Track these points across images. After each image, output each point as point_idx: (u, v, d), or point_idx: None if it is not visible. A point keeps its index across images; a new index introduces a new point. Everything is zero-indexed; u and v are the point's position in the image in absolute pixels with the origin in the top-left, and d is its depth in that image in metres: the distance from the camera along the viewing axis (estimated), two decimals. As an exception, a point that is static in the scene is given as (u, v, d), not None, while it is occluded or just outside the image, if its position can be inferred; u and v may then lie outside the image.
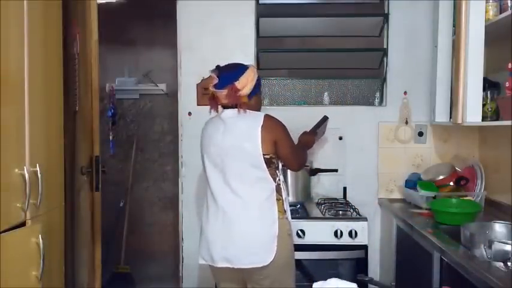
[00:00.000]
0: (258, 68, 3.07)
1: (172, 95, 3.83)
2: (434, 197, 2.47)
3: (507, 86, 1.97)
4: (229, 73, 1.98)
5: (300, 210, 2.65)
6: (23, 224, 1.61)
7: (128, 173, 4.06)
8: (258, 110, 2.09)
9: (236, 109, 1.98)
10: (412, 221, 2.25)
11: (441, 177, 2.63)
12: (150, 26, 4.00)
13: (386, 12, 2.95)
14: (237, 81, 1.95)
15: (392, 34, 2.93)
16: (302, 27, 3.11)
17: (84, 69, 2.46)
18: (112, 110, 4.00)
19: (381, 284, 1.46)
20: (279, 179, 2.01)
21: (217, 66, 2.02)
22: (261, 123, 1.94)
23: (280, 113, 3.01)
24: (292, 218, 2.47)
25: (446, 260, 1.77)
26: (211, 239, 1.99)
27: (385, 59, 2.97)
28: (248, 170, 1.94)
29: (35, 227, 1.66)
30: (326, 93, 3.10)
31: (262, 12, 2.99)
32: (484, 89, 2.21)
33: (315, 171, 2.83)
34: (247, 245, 1.92)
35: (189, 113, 2.99)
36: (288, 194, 2.13)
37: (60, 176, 1.98)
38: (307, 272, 2.25)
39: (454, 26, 2.52)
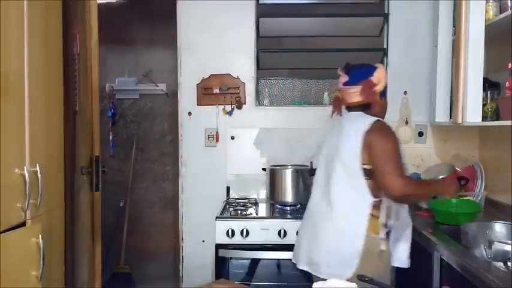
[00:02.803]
0: (258, 68, 3.08)
1: (172, 95, 3.83)
2: (434, 197, 2.47)
3: (507, 86, 1.97)
4: (360, 70, 1.90)
5: (301, 211, 2.64)
6: (23, 224, 1.61)
7: (127, 173, 4.06)
8: (383, 114, 1.96)
9: (357, 112, 1.89)
10: (412, 221, 2.24)
11: (441, 177, 2.62)
12: (150, 26, 3.99)
13: (386, 12, 2.95)
14: (372, 76, 1.86)
15: (392, 34, 2.93)
16: (302, 27, 3.11)
17: (84, 69, 2.46)
18: (112, 110, 4.01)
19: (381, 284, 1.45)
20: (384, 198, 1.79)
21: (347, 64, 1.94)
22: (368, 128, 1.78)
23: (280, 113, 3.04)
24: (292, 218, 2.50)
25: (446, 260, 1.77)
26: (298, 239, 2.00)
27: (385, 59, 2.97)
28: (346, 177, 1.81)
29: (35, 227, 1.66)
30: (326, 93, 3.10)
31: (262, 12, 2.99)
32: (484, 89, 2.21)
33: (315, 171, 2.82)
34: (328, 255, 1.82)
35: (189, 113, 3.00)
36: (389, 218, 1.84)
37: (60, 176, 1.98)
38: (307, 272, 2.24)
39: (454, 26, 2.52)
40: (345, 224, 1.80)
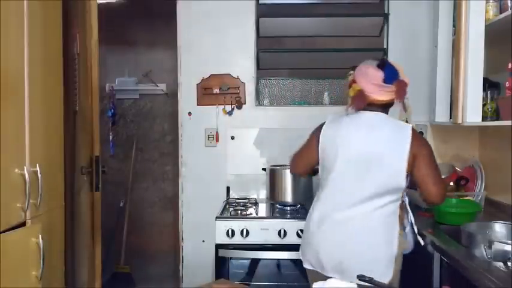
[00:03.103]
0: (258, 68, 3.08)
1: (172, 95, 3.83)
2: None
3: (507, 86, 1.97)
4: (392, 69, 1.87)
5: (301, 211, 2.65)
6: (23, 224, 1.61)
7: (127, 173, 4.06)
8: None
9: (378, 112, 1.87)
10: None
11: (442, 177, 2.62)
12: (150, 26, 4.00)
13: (386, 12, 2.95)
14: (402, 77, 1.86)
15: (392, 34, 2.93)
16: (302, 27, 3.11)
17: (84, 69, 2.46)
18: (112, 110, 4.01)
19: (381, 284, 1.45)
20: (405, 198, 1.87)
21: (384, 59, 1.89)
22: (410, 138, 1.79)
23: (280, 113, 3.04)
24: (292, 218, 2.50)
25: (446, 260, 1.77)
26: (322, 246, 1.85)
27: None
28: (384, 183, 1.79)
29: (35, 227, 1.66)
30: (326, 93, 3.10)
31: (262, 12, 2.99)
32: (484, 89, 2.21)
33: (315, 171, 2.82)
34: (365, 261, 1.77)
35: (189, 113, 3.00)
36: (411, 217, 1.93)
37: (60, 176, 1.98)
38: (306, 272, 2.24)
39: (454, 26, 2.52)
40: (383, 229, 1.81)
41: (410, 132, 1.81)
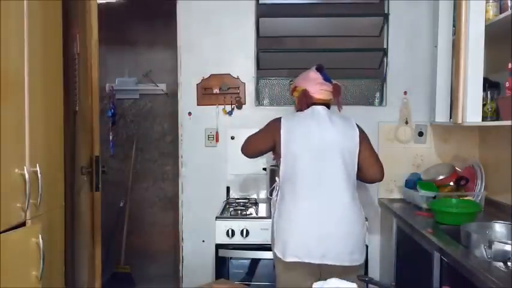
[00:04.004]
0: (258, 68, 3.07)
1: (172, 95, 3.83)
2: (434, 197, 2.47)
3: (507, 86, 1.97)
4: (326, 73, 2.16)
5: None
6: (23, 224, 1.61)
7: (127, 173, 4.06)
8: None
9: (325, 107, 2.12)
10: (412, 221, 2.25)
11: (441, 177, 2.63)
12: (150, 26, 4.00)
13: (386, 12, 2.95)
14: (334, 81, 2.16)
15: (393, 34, 2.93)
16: (302, 27, 3.11)
17: (84, 69, 2.46)
18: (112, 110, 4.01)
19: (381, 284, 1.45)
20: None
21: (321, 64, 2.17)
22: (356, 126, 2.09)
23: (280, 113, 3.01)
24: (292, 218, 2.50)
25: (446, 260, 1.77)
26: (305, 235, 1.97)
27: (385, 59, 2.97)
28: (347, 168, 2.02)
29: (35, 227, 1.66)
30: (326, 93, 3.09)
31: (262, 12, 2.99)
32: (484, 89, 2.21)
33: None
34: (347, 243, 1.97)
35: (189, 113, 3.00)
36: None
37: (60, 176, 1.98)
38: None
39: (454, 26, 2.53)
40: (356, 211, 2.02)
41: (354, 122, 2.11)
